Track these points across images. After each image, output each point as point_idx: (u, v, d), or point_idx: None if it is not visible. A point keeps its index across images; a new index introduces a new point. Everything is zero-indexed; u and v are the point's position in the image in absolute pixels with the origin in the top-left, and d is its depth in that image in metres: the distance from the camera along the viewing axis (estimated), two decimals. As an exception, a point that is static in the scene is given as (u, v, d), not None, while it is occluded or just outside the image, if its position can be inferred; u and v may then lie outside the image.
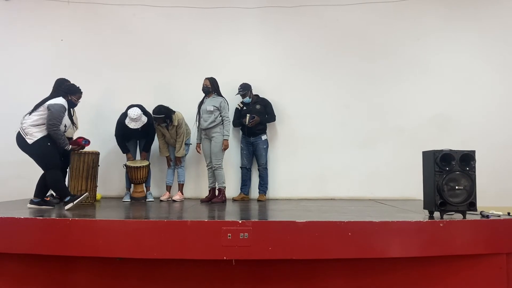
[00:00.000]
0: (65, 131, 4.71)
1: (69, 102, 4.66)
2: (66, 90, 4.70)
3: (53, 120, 4.44)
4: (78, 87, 4.81)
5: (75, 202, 4.42)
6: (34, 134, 4.45)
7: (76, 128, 5.39)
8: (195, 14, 6.48)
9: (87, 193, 4.64)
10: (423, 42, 6.37)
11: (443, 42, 6.36)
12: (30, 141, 4.45)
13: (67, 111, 4.62)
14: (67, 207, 4.43)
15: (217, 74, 5.80)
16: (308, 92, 6.41)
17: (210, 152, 5.65)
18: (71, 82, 4.96)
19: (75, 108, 5.47)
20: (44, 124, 4.48)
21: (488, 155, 5.63)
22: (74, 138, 5.29)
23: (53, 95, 4.66)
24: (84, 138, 5.01)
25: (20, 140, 4.51)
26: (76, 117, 5.52)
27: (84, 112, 6.00)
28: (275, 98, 6.28)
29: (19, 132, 4.53)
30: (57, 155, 4.59)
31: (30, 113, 4.55)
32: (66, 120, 4.61)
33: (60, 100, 4.56)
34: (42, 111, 4.51)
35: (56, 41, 6.45)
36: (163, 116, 5.59)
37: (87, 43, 6.44)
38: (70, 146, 4.77)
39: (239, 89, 6.02)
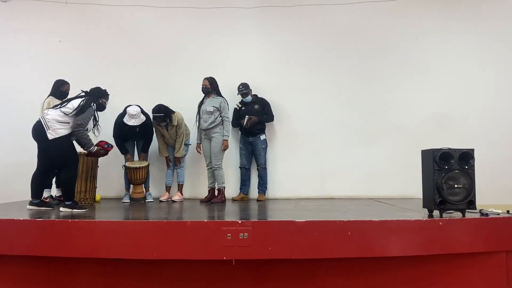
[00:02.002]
0: None
1: (99, 105, 4.70)
2: (97, 93, 4.70)
3: (81, 120, 4.42)
4: (105, 90, 4.83)
5: (72, 211, 4.38)
6: (57, 131, 4.37)
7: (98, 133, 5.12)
8: (193, 14, 6.47)
9: (87, 210, 4.53)
10: (422, 41, 6.38)
11: (442, 40, 6.36)
12: (50, 136, 4.36)
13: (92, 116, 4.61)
14: (63, 210, 4.42)
15: (216, 74, 5.80)
16: (307, 91, 6.41)
17: (210, 152, 5.65)
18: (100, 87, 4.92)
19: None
20: (68, 122, 4.42)
21: (487, 153, 5.62)
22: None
23: (87, 98, 4.58)
24: (106, 142, 4.93)
25: (40, 131, 4.40)
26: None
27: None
28: (274, 97, 6.28)
29: (40, 121, 4.43)
30: (77, 154, 4.59)
31: (56, 107, 4.50)
32: (90, 123, 4.61)
33: (92, 104, 4.56)
34: (69, 109, 4.45)
35: (54, 42, 6.43)
36: (162, 115, 5.58)
37: (85, 43, 6.43)
38: (96, 147, 4.67)
39: (240, 88, 6.01)
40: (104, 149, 4.89)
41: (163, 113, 5.57)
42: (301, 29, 6.48)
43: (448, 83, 6.31)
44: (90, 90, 4.76)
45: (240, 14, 6.47)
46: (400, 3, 6.40)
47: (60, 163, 4.55)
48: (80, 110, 4.44)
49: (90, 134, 4.74)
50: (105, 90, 4.83)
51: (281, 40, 6.48)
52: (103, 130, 6.09)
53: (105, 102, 4.82)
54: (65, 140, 4.42)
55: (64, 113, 4.41)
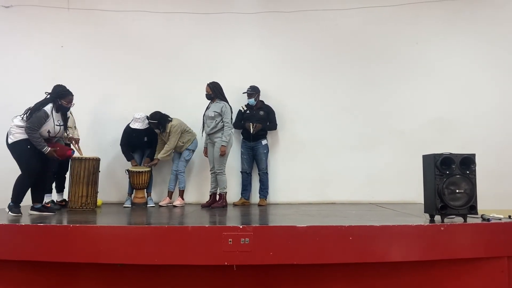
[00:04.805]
0: (49, 137, 4.59)
1: (59, 106, 4.62)
2: (56, 94, 4.65)
3: (29, 123, 4.42)
4: (67, 90, 4.72)
5: (9, 213, 4.39)
6: (15, 135, 4.47)
7: (67, 134, 5.10)
8: (194, 19, 6.50)
9: (20, 215, 4.40)
10: (422, 46, 6.39)
11: (442, 46, 6.37)
12: (10, 141, 4.47)
13: (54, 116, 4.54)
14: (6, 210, 4.45)
15: (218, 79, 5.80)
16: (308, 96, 6.43)
17: (213, 157, 5.67)
18: (62, 86, 4.95)
19: (73, 115, 5.50)
20: (23, 127, 4.47)
21: (488, 158, 5.63)
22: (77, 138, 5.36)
23: (44, 100, 4.60)
24: (70, 148, 4.73)
25: (6, 139, 4.54)
26: (73, 121, 5.51)
27: (84, 118, 6.04)
28: (275, 102, 6.29)
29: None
30: (34, 160, 4.47)
31: (20, 115, 4.55)
32: (49, 125, 4.53)
33: (46, 106, 4.51)
34: (25, 114, 4.52)
35: (57, 48, 6.47)
36: (155, 122, 5.73)
37: (87, 49, 6.46)
38: (49, 148, 4.49)
39: (248, 89, 6.04)
40: (63, 154, 4.67)
41: (156, 121, 5.71)
42: (302, 35, 6.50)
43: (449, 87, 6.32)
44: (52, 90, 4.78)
45: (242, 19, 6.50)
46: (400, 8, 6.42)
47: (19, 167, 4.53)
48: (29, 114, 4.47)
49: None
50: (64, 90, 4.69)
51: (282, 45, 6.50)
52: (104, 136, 6.21)
53: (66, 103, 4.65)
54: (21, 145, 4.44)
55: (21, 118, 4.49)
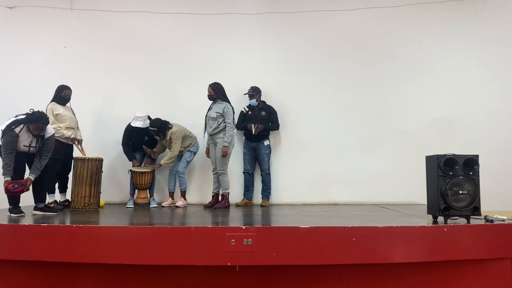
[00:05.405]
0: (17, 151, 4.41)
1: (29, 130, 4.37)
2: (27, 119, 4.36)
3: (3, 143, 4.35)
4: (40, 117, 4.35)
5: (11, 215, 4.39)
6: None
7: (44, 155, 4.57)
8: (197, 20, 6.50)
9: (23, 214, 4.40)
10: (425, 46, 6.38)
11: (445, 46, 6.36)
12: None
13: (24, 137, 4.38)
14: (8, 214, 4.44)
15: (220, 79, 5.79)
16: (310, 96, 6.42)
17: (215, 158, 5.67)
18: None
19: (76, 115, 5.50)
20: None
21: (491, 159, 5.58)
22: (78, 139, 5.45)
23: (20, 119, 4.40)
24: (17, 183, 4.34)
25: None
26: (76, 121, 5.50)
27: (87, 119, 6.06)
28: (277, 103, 6.29)
29: None
30: (16, 160, 4.36)
31: (15, 116, 4.49)
32: (19, 145, 4.37)
33: (17, 127, 4.35)
34: (4, 125, 4.44)
35: (60, 48, 6.48)
36: (156, 130, 5.74)
37: (90, 50, 6.47)
38: (8, 178, 4.27)
39: (249, 90, 6.05)
40: (9, 191, 4.33)
41: (156, 128, 5.72)
42: (305, 35, 6.49)
43: (451, 88, 6.30)
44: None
45: (245, 20, 6.49)
46: (403, 9, 6.41)
47: None
48: (1, 134, 4.37)
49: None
50: (35, 117, 4.34)
51: (284, 46, 6.49)
52: (107, 136, 6.22)
53: (33, 129, 4.35)
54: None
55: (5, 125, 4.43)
